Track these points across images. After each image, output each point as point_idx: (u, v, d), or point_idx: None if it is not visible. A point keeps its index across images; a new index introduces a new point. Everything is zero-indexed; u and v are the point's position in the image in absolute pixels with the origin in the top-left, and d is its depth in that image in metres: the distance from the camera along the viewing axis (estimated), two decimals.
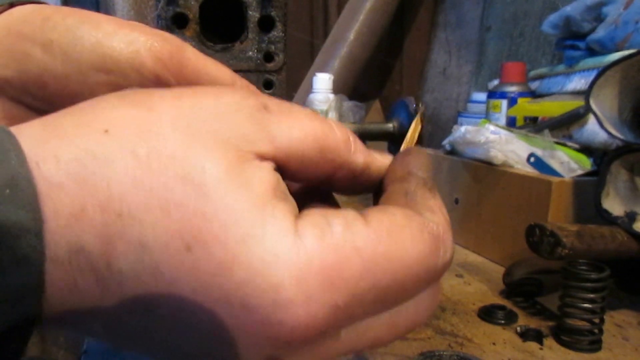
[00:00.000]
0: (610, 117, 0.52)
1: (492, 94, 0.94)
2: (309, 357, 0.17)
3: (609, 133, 0.52)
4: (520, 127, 0.79)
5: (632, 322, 0.49)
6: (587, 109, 0.56)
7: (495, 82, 0.97)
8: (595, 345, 0.44)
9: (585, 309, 0.43)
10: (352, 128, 0.31)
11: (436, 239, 0.18)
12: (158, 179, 0.16)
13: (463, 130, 0.71)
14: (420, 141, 0.27)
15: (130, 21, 0.25)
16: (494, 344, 0.44)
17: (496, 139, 0.65)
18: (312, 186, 0.23)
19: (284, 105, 0.19)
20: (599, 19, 0.79)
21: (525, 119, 0.86)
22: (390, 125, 0.31)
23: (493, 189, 0.65)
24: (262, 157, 0.18)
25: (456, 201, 0.72)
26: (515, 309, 0.50)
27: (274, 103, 0.19)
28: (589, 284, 0.43)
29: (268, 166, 0.18)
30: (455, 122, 1.12)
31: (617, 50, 0.74)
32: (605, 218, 0.52)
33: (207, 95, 0.18)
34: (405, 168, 0.22)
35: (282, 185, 0.18)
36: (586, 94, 0.52)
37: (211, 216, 0.16)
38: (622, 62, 0.50)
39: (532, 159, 0.63)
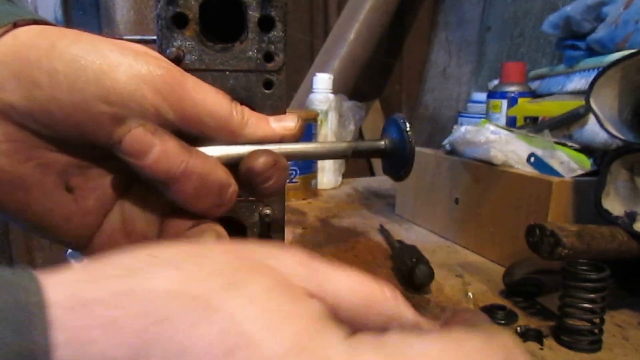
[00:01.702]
0: (610, 117, 0.52)
1: (492, 94, 0.94)
2: None
3: (609, 133, 0.52)
4: (520, 127, 0.79)
5: (632, 322, 0.49)
6: (587, 109, 0.56)
7: (495, 82, 0.97)
8: (595, 345, 0.44)
9: (585, 309, 0.43)
10: (344, 147, 0.31)
11: None
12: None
13: (463, 130, 0.71)
14: (412, 155, 0.28)
15: (135, 46, 0.26)
16: None
17: (496, 139, 0.65)
18: None
19: (332, 265, 0.20)
20: (599, 19, 0.79)
21: (525, 119, 0.86)
22: (382, 143, 0.31)
23: (493, 189, 0.65)
24: (312, 295, 0.18)
25: (456, 201, 0.72)
26: (515, 309, 0.50)
27: (322, 263, 0.20)
28: (589, 284, 0.43)
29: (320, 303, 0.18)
30: (455, 122, 1.12)
31: (617, 50, 0.74)
32: (606, 218, 0.52)
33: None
34: None
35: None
36: (586, 93, 0.52)
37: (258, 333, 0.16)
38: (622, 62, 0.50)
39: (532, 159, 0.63)
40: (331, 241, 0.74)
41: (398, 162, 0.30)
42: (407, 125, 0.28)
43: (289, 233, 0.75)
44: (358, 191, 1.09)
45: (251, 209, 0.49)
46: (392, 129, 0.30)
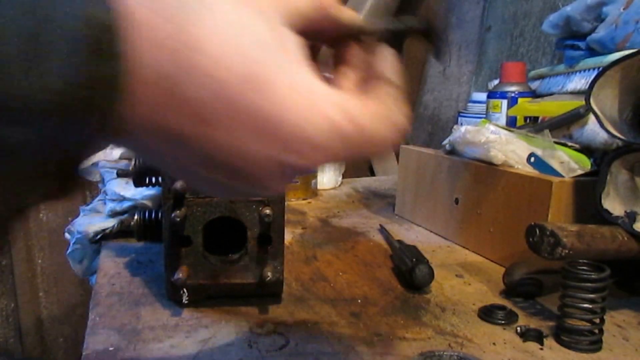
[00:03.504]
0: (610, 117, 0.52)
1: (492, 94, 0.94)
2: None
3: (609, 133, 0.51)
4: (520, 127, 0.79)
5: (633, 322, 0.49)
6: (587, 109, 0.56)
7: (495, 82, 0.97)
8: (595, 345, 0.44)
9: (585, 309, 0.43)
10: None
11: (396, 129, 0.26)
12: (231, 33, 0.21)
13: (463, 130, 0.71)
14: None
15: None
16: (494, 344, 0.44)
17: (496, 139, 0.65)
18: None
19: None
20: (599, 18, 0.79)
21: (525, 119, 0.86)
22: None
23: (493, 189, 0.65)
24: (290, 25, 0.24)
25: (456, 201, 0.72)
26: (515, 309, 0.50)
27: None
28: (589, 284, 0.43)
29: (294, 34, 0.24)
30: (455, 122, 1.12)
31: (617, 50, 0.74)
32: (606, 218, 0.52)
33: None
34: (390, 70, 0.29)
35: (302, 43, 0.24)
36: (586, 93, 0.52)
37: (268, 65, 0.22)
38: (622, 61, 0.50)
39: (532, 159, 0.63)
40: (331, 241, 0.74)
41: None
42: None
43: (288, 233, 0.76)
44: (358, 191, 1.09)
45: (251, 209, 0.49)
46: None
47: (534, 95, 0.90)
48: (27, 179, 0.19)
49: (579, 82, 0.81)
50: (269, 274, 0.49)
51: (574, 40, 0.83)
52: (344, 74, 0.30)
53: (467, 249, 0.70)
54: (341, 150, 0.24)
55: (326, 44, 0.30)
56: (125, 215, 0.70)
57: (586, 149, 0.66)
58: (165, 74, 0.20)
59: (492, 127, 0.68)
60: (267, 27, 0.22)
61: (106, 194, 0.73)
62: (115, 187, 0.70)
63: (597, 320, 0.44)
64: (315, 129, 0.22)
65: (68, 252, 0.74)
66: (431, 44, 0.33)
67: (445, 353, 0.42)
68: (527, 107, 0.87)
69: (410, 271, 0.55)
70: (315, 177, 1.01)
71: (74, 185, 0.21)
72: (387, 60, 0.30)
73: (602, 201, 0.52)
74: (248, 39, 0.21)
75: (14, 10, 0.17)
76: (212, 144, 0.22)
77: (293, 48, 0.23)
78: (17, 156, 0.18)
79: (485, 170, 0.66)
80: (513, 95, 0.90)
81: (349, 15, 0.30)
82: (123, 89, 0.19)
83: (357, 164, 1.38)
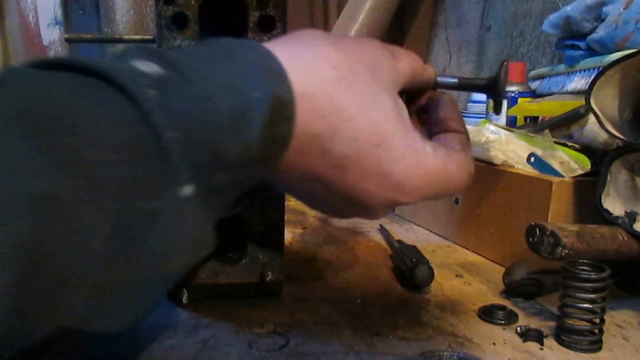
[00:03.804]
0: (610, 117, 0.52)
1: None
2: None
3: (609, 133, 0.51)
4: (520, 127, 0.79)
5: (633, 322, 0.49)
6: (587, 109, 0.56)
7: None
8: (595, 345, 0.44)
9: (585, 309, 0.43)
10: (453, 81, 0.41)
11: (471, 175, 0.34)
12: (369, 107, 0.29)
13: None
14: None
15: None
16: (494, 344, 0.44)
17: (496, 139, 0.65)
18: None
19: (401, 51, 0.34)
20: (599, 18, 0.79)
21: (525, 119, 0.86)
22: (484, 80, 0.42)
23: (493, 189, 0.65)
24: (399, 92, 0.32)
25: (456, 201, 0.72)
26: (515, 309, 0.50)
27: (396, 51, 0.34)
28: (589, 284, 0.43)
29: (401, 100, 0.32)
30: None
31: (617, 50, 0.74)
32: (606, 218, 0.52)
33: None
34: (459, 121, 0.36)
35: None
36: (586, 93, 0.52)
37: (391, 132, 0.29)
38: (622, 61, 0.50)
39: (532, 159, 0.63)
40: (331, 241, 0.74)
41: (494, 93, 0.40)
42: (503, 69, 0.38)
43: (288, 233, 0.76)
44: None
45: (251, 209, 0.49)
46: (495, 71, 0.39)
47: (534, 95, 0.90)
48: (225, 207, 0.27)
49: (579, 82, 0.81)
50: (269, 274, 0.49)
51: (574, 40, 0.83)
52: (423, 122, 0.38)
53: (467, 249, 0.70)
54: (434, 193, 0.32)
55: (407, 94, 0.38)
56: None
57: (586, 149, 0.66)
58: (318, 134, 0.27)
59: (492, 127, 0.69)
60: (391, 102, 0.30)
61: None
62: None
63: (597, 320, 0.44)
64: (421, 180, 0.31)
65: None
66: (493, 100, 0.40)
67: (445, 353, 0.42)
68: (527, 107, 0.87)
69: (410, 271, 0.55)
70: None
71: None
72: (454, 108, 0.37)
73: (602, 201, 0.52)
74: (380, 114, 0.29)
75: (225, 93, 0.24)
76: (343, 184, 0.30)
77: (405, 115, 0.31)
78: (220, 193, 0.26)
79: (485, 170, 0.66)
80: (513, 95, 0.90)
81: (431, 72, 0.37)
82: (289, 143, 0.27)
83: None
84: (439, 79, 0.38)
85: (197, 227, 0.25)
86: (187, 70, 0.24)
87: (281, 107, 0.25)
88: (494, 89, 0.39)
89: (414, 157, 0.30)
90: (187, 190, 0.23)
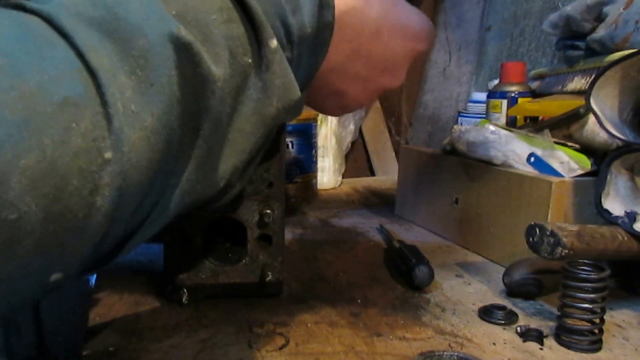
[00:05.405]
0: (610, 117, 0.52)
1: (492, 94, 0.94)
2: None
3: (609, 133, 0.51)
4: (520, 127, 0.79)
5: (633, 322, 0.49)
6: (587, 109, 0.56)
7: (495, 82, 0.97)
8: (595, 345, 0.44)
9: (585, 309, 0.43)
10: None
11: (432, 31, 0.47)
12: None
13: (463, 130, 0.71)
14: None
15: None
16: (494, 344, 0.44)
17: (496, 139, 0.65)
18: None
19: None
20: (599, 18, 0.79)
21: (525, 119, 0.86)
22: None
23: (493, 189, 0.65)
24: None
25: (456, 201, 0.72)
26: (515, 309, 0.50)
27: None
28: (589, 284, 0.43)
29: None
30: (455, 122, 1.12)
31: (617, 50, 0.74)
32: (606, 218, 0.52)
33: None
34: None
35: None
36: (586, 93, 0.52)
37: (399, 6, 0.43)
38: (622, 61, 0.50)
39: (532, 159, 0.63)
40: (331, 241, 0.74)
41: None
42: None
43: (288, 233, 0.76)
44: (358, 191, 1.09)
45: (251, 209, 0.49)
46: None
47: (534, 95, 0.90)
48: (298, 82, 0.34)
49: (579, 82, 0.81)
50: (269, 274, 0.49)
51: (574, 40, 0.83)
52: None
53: (467, 249, 0.70)
54: (429, 33, 0.45)
55: None
56: None
57: (586, 149, 0.66)
58: (353, 6, 0.38)
59: (492, 127, 0.68)
60: None
61: None
62: None
63: (597, 320, 0.44)
64: (427, 23, 0.45)
65: None
66: None
67: (445, 353, 0.42)
68: (527, 107, 0.87)
69: (410, 271, 0.55)
70: (315, 177, 1.01)
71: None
72: None
73: (602, 201, 0.52)
74: (388, 5, 0.41)
75: None
76: (381, 45, 0.41)
77: None
78: (289, 63, 0.32)
79: (485, 170, 0.66)
80: (513, 95, 0.90)
81: None
82: (334, 25, 0.35)
83: (357, 163, 1.38)
84: None
85: (283, 74, 0.31)
86: None
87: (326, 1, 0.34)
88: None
89: (414, 10, 0.44)
90: (273, 43, 0.30)
